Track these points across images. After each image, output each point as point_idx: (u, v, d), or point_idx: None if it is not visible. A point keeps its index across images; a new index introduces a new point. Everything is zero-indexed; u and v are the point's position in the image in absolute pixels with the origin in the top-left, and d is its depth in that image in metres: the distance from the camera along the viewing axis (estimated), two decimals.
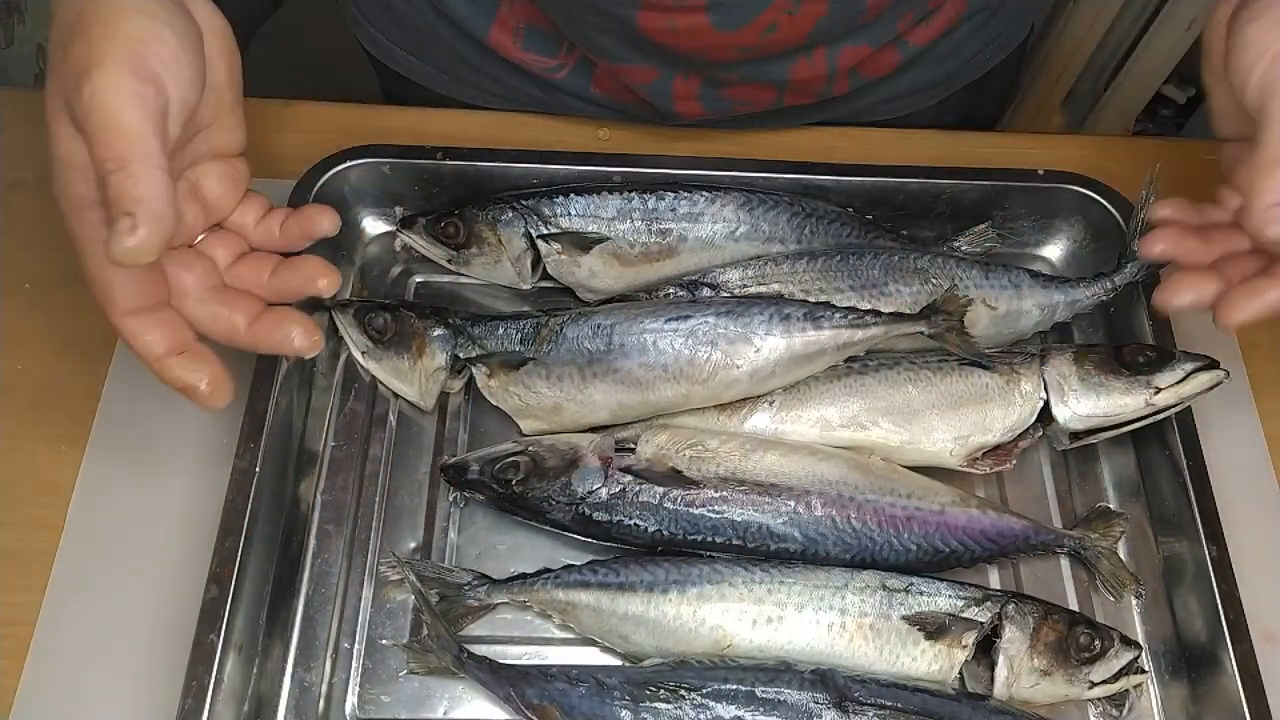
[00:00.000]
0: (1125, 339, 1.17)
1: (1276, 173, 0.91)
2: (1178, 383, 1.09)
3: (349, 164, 1.16)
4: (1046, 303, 1.15)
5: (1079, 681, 1.04)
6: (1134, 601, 1.11)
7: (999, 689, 1.04)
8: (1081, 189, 1.20)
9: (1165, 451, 1.11)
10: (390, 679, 1.04)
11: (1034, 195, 1.21)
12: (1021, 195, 1.21)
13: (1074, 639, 1.04)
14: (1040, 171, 1.20)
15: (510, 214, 1.15)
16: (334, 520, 1.10)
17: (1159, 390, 1.09)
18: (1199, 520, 1.06)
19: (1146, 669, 1.07)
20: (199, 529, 1.01)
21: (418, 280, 1.22)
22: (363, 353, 1.15)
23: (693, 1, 1.10)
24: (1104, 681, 1.04)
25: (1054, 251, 1.26)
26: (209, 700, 0.92)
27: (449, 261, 1.17)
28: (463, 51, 1.24)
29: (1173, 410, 1.10)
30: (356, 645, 1.05)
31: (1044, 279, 1.17)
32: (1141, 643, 1.08)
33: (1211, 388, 1.09)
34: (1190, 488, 1.07)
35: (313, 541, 1.09)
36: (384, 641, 1.05)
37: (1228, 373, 1.09)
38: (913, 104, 1.34)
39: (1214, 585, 1.04)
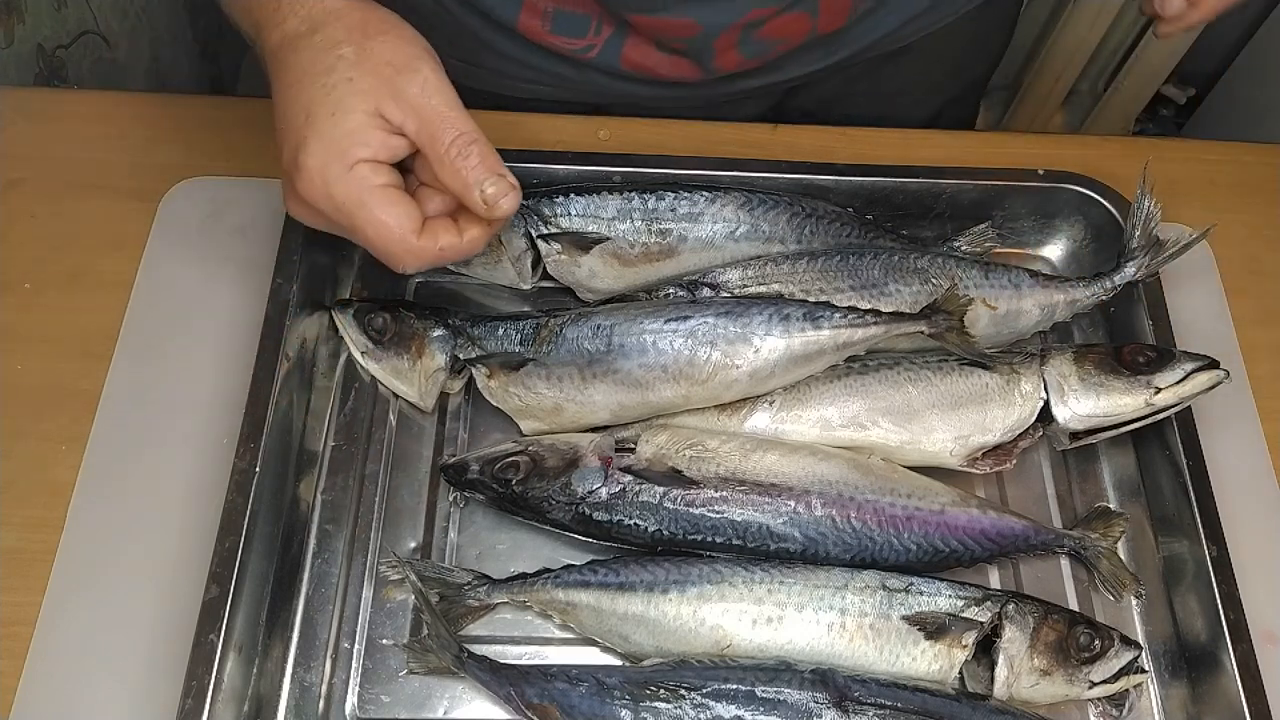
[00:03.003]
0: (1125, 339, 1.17)
1: None
2: (1178, 383, 1.09)
3: None
4: (1046, 302, 1.15)
5: (1079, 681, 1.04)
6: (1134, 601, 1.11)
7: (999, 689, 1.04)
8: (1081, 189, 1.20)
9: (1165, 451, 1.11)
10: (390, 679, 1.03)
11: (1034, 195, 1.22)
12: (1021, 195, 1.22)
13: (1074, 639, 1.04)
14: (1040, 171, 1.20)
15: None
16: (334, 520, 1.10)
17: (1159, 390, 1.09)
18: (1199, 520, 1.06)
19: (1146, 669, 1.07)
20: (199, 529, 1.02)
21: (418, 280, 1.22)
22: (363, 353, 1.15)
23: None
24: (1104, 681, 1.04)
25: (1054, 251, 1.26)
26: (209, 700, 0.92)
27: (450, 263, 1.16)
28: (492, 41, 1.24)
29: (1173, 410, 1.09)
30: (356, 645, 1.05)
31: (1044, 279, 1.17)
32: (1141, 642, 1.08)
33: (1211, 388, 1.09)
34: (1190, 488, 1.07)
35: (313, 541, 1.09)
36: (384, 641, 1.05)
37: (1228, 373, 1.08)
38: (932, 20, 1.32)
39: (1214, 585, 1.04)
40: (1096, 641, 1.04)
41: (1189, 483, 1.07)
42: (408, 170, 0.97)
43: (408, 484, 1.13)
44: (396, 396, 1.16)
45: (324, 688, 1.03)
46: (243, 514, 0.99)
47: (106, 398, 1.13)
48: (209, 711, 0.92)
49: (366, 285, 1.20)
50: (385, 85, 0.91)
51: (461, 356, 1.13)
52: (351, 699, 1.03)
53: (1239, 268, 1.23)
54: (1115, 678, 1.04)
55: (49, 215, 1.18)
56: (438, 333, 1.13)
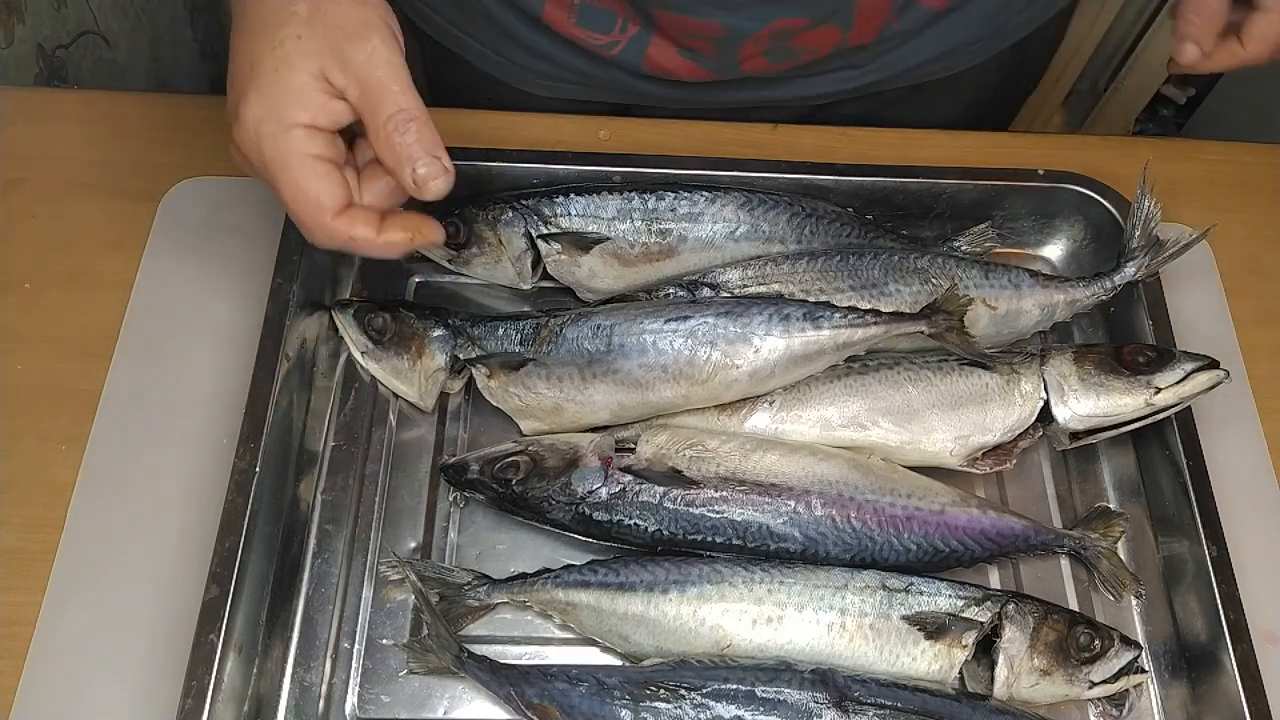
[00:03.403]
0: (1125, 339, 1.17)
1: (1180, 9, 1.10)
2: (1178, 383, 1.08)
3: None
4: (1046, 302, 1.15)
5: (1079, 681, 1.04)
6: (1134, 601, 1.11)
7: (999, 689, 1.03)
8: (1081, 189, 1.20)
9: (1165, 451, 1.11)
10: (390, 679, 1.03)
11: (1034, 195, 1.22)
12: (1021, 195, 1.22)
13: (1074, 639, 1.04)
14: (1040, 171, 1.20)
15: (510, 214, 1.15)
16: (334, 520, 1.10)
17: (1159, 390, 1.09)
18: (1199, 520, 1.06)
19: (1146, 669, 1.07)
20: (199, 529, 1.01)
21: (418, 280, 1.22)
22: (363, 353, 1.14)
23: None
24: (1104, 681, 1.04)
25: (1054, 251, 1.26)
26: (209, 700, 0.91)
27: (449, 262, 1.17)
28: (516, 32, 1.23)
29: (1173, 410, 1.09)
30: (356, 645, 1.05)
31: (1044, 279, 1.17)
32: (1141, 642, 1.08)
33: (1211, 388, 1.09)
34: (1190, 488, 1.07)
35: (313, 541, 1.09)
36: (384, 641, 1.05)
37: (1228, 373, 1.08)
38: (962, 60, 1.31)
39: (1214, 585, 1.04)
40: (1096, 641, 1.04)
41: (1189, 483, 1.07)
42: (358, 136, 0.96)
43: (408, 484, 1.13)
44: (396, 396, 1.16)
45: (324, 688, 1.03)
46: (243, 514, 0.98)
47: (106, 398, 1.12)
48: (209, 711, 0.91)
49: (367, 285, 1.20)
50: (332, 49, 0.89)
51: (461, 356, 1.13)
52: (351, 699, 1.02)
53: (1239, 268, 1.23)
54: (1115, 678, 1.04)
55: (49, 215, 1.18)
56: (438, 333, 1.13)
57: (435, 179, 0.92)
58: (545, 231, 1.15)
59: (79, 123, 1.23)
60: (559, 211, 1.15)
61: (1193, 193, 1.22)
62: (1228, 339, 1.19)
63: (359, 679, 1.03)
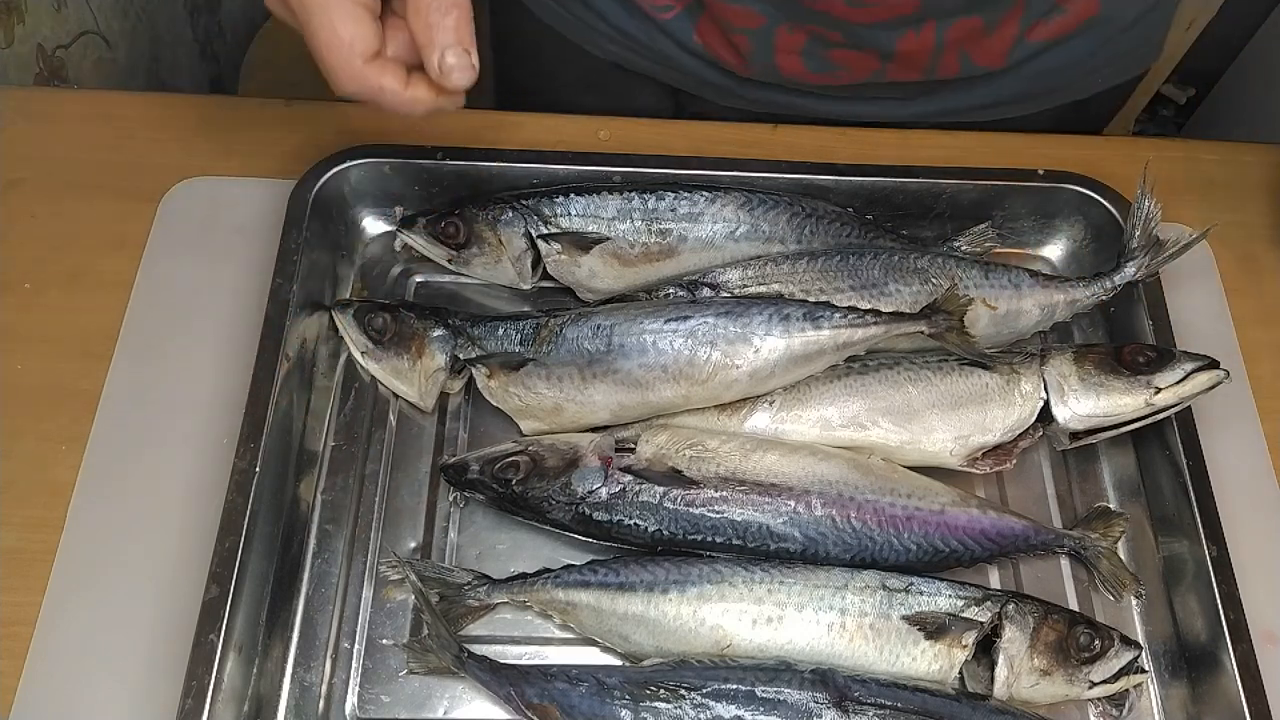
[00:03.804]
0: (1125, 339, 1.17)
1: None
2: (1178, 383, 1.08)
3: (349, 164, 1.16)
4: (1046, 302, 1.15)
5: (1079, 681, 1.03)
6: (1134, 601, 1.11)
7: (999, 689, 1.03)
8: (1081, 189, 1.20)
9: (1165, 451, 1.10)
10: (390, 679, 1.02)
11: (1034, 195, 1.21)
12: (1021, 195, 1.21)
13: (1074, 639, 1.03)
14: (1040, 171, 1.20)
15: (510, 214, 1.14)
16: (334, 520, 1.09)
17: (1159, 390, 1.08)
18: (1199, 520, 1.05)
19: (1147, 669, 1.07)
20: (199, 529, 1.01)
21: (418, 280, 1.21)
22: (363, 353, 1.14)
23: None
24: (1104, 681, 1.04)
25: (1054, 251, 1.26)
26: (209, 700, 0.91)
27: (449, 261, 1.16)
28: None
29: (1173, 410, 1.09)
30: (356, 645, 1.04)
31: (1044, 279, 1.16)
32: (1142, 642, 1.08)
33: (1211, 388, 1.08)
34: (1190, 488, 1.07)
35: (313, 541, 1.08)
36: (384, 641, 1.04)
37: (1228, 373, 1.08)
38: (1012, 110, 1.32)
39: (1214, 585, 1.03)
40: (1096, 641, 1.03)
41: (1189, 483, 1.07)
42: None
43: (408, 484, 1.12)
44: (396, 396, 1.15)
45: (324, 688, 1.02)
46: (243, 514, 0.98)
47: (106, 398, 1.12)
48: (209, 711, 0.91)
49: (367, 285, 1.19)
50: None
51: (461, 356, 1.12)
52: (351, 699, 1.02)
53: (1239, 268, 1.23)
54: (1115, 678, 1.04)
55: (49, 215, 1.17)
56: (438, 333, 1.12)
57: (460, 70, 0.89)
58: (545, 231, 1.14)
59: (79, 123, 1.23)
60: (559, 211, 1.14)
61: (1192, 193, 1.22)
62: (1228, 339, 1.18)
63: (359, 679, 1.02)
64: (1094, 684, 1.04)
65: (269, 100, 1.20)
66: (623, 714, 0.98)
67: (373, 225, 1.20)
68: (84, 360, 1.13)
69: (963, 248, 1.19)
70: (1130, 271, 1.15)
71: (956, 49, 1.21)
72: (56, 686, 0.98)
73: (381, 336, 1.13)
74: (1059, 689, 1.04)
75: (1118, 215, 1.18)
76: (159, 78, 1.27)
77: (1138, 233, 1.14)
